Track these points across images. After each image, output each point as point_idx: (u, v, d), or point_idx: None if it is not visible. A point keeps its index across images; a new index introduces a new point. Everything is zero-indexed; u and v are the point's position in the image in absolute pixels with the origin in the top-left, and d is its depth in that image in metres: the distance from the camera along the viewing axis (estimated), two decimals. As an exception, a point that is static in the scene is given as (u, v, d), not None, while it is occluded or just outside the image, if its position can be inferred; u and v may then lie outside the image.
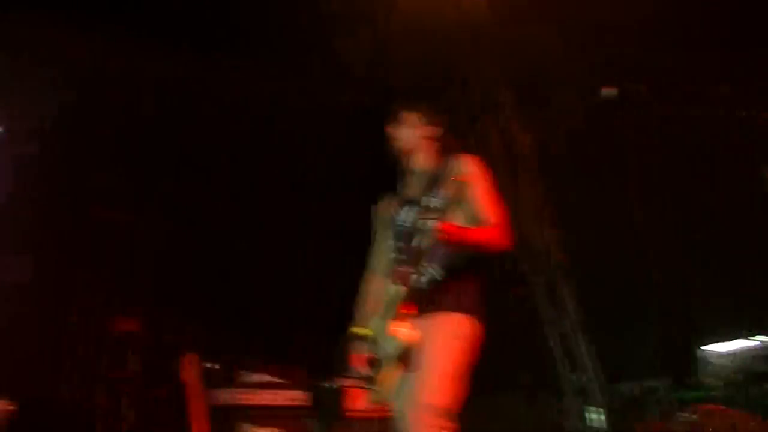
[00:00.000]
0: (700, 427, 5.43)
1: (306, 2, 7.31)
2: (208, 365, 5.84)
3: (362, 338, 3.25)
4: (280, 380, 5.99)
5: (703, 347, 7.17)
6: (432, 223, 3.03)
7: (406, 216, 3.30)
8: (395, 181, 3.48)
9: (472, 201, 3.19)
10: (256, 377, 5.95)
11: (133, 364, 7.63)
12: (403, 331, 3.07)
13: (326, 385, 6.11)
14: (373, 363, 3.17)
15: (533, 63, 7.62)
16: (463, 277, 3.18)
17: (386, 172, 3.52)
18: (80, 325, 7.55)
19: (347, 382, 5.88)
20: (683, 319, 7.30)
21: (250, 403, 5.87)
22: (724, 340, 7.10)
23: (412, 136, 3.43)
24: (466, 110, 8.38)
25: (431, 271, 3.12)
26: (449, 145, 3.45)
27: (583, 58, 7.08)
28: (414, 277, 3.10)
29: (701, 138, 6.28)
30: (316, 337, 7.05)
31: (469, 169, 3.23)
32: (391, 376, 3.09)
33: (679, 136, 6.47)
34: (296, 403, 5.96)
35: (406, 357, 3.06)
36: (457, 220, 3.15)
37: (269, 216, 7.97)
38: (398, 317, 3.09)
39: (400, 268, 3.18)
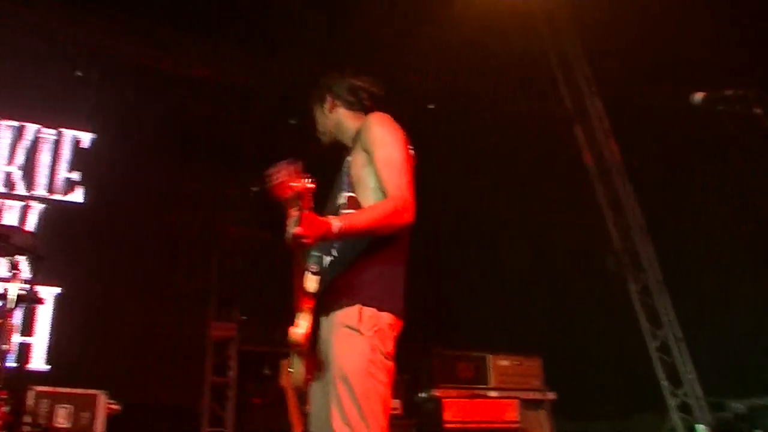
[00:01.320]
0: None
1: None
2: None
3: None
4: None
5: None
6: (336, 223, 2.66)
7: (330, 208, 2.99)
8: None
9: (376, 172, 2.82)
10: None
11: (233, 370, 7.82)
12: (293, 330, 2.73)
13: (423, 395, 6.11)
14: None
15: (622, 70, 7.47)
16: (364, 264, 2.82)
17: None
18: (183, 331, 7.75)
19: (444, 393, 5.86)
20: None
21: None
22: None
23: (328, 122, 3.15)
24: (559, 120, 8.29)
25: (324, 259, 2.88)
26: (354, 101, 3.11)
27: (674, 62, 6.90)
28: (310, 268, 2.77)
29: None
30: (410, 346, 7.00)
31: (371, 135, 2.88)
32: (298, 370, 2.80)
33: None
34: (393, 411, 5.94)
35: (301, 355, 2.77)
36: (367, 194, 2.83)
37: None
38: (299, 311, 2.76)
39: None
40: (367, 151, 2.86)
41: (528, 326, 7.18)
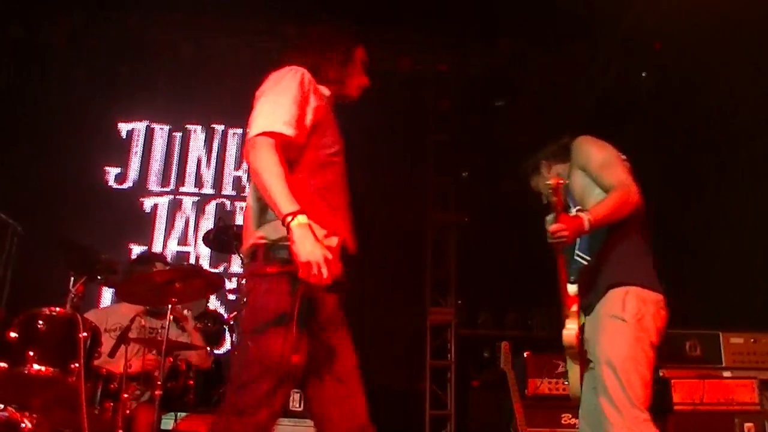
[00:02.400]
0: None
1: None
2: (525, 354, 5.87)
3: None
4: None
5: None
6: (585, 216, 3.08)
7: None
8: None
9: (596, 178, 3.25)
10: (575, 366, 5.85)
11: (452, 353, 7.96)
12: (565, 331, 3.16)
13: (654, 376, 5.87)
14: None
15: None
16: (611, 249, 3.18)
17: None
18: (402, 319, 8.00)
19: (673, 373, 5.59)
20: None
21: (568, 392, 5.78)
22: None
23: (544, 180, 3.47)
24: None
25: (577, 258, 3.25)
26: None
27: None
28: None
29: None
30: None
31: (584, 153, 3.34)
32: (573, 372, 3.23)
33: None
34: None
35: (572, 355, 3.16)
36: (595, 200, 3.20)
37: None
38: (566, 315, 3.19)
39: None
40: (584, 167, 3.29)
41: (764, 300, 6.64)
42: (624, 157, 3.33)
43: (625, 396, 2.93)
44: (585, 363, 3.20)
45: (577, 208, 3.30)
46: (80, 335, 4.01)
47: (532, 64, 8.36)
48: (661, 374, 5.69)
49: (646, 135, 7.77)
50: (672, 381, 5.64)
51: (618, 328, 3.00)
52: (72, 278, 4.53)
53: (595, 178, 3.23)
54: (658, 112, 7.89)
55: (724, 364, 5.83)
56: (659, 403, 5.67)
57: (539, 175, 3.64)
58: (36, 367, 3.88)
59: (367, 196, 8.13)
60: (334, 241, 2.45)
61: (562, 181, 3.11)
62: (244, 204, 8.27)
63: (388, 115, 8.20)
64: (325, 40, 2.91)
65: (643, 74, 8.16)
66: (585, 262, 3.24)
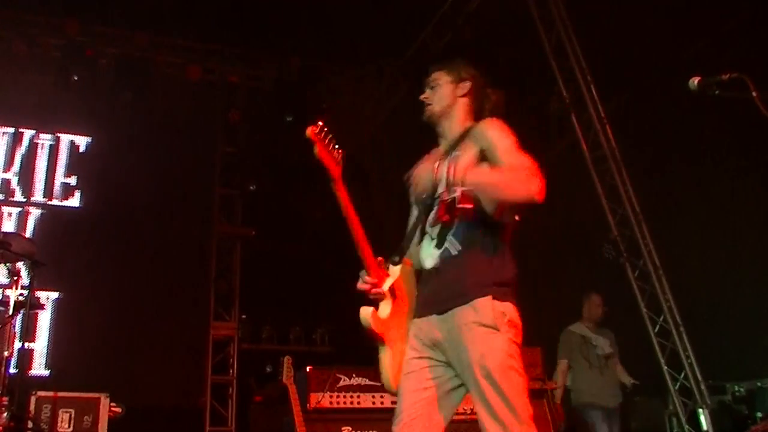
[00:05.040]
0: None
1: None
2: (307, 368, 5.91)
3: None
4: (377, 382, 6.01)
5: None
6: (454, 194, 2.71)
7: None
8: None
9: (498, 159, 2.73)
10: (355, 380, 5.98)
11: (234, 369, 7.86)
12: (363, 309, 2.70)
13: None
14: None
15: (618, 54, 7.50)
16: (482, 254, 2.73)
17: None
18: (183, 332, 7.78)
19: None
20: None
21: (349, 406, 5.90)
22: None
23: (442, 97, 2.99)
24: (556, 109, 8.30)
25: (447, 246, 2.76)
26: (480, 106, 3.03)
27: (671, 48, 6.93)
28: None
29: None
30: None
31: (495, 140, 2.78)
32: (385, 359, 2.76)
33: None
34: (395, 405, 5.96)
35: (377, 342, 2.72)
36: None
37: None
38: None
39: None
40: (487, 151, 2.77)
41: (528, 316, 7.18)
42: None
43: (511, 412, 2.59)
44: (398, 348, 2.76)
45: (463, 189, 2.76)
46: None
47: (322, 83, 8.49)
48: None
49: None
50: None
51: (493, 337, 2.62)
52: None
53: (500, 160, 2.72)
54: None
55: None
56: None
57: (452, 85, 3.03)
58: None
59: (152, 205, 7.91)
60: None
61: (319, 126, 2.60)
62: (12, 209, 7.69)
63: (177, 123, 7.99)
64: None
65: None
66: (455, 253, 2.76)
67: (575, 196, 7.93)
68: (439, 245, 2.80)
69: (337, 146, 2.69)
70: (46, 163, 7.99)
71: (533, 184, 2.59)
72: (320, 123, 2.64)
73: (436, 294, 2.76)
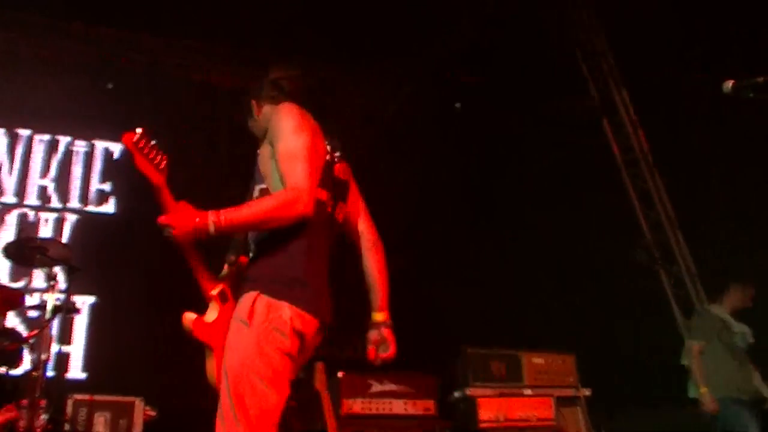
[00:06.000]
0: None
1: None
2: (339, 374, 5.93)
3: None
4: (409, 389, 6.00)
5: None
6: (211, 217, 2.59)
7: None
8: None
9: (277, 165, 2.64)
10: (387, 386, 5.99)
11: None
12: (188, 315, 2.69)
13: (457, 395, 6.10)
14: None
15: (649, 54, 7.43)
16: (267, 252, 2.63)
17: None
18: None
19: (479, 392, 5.84)
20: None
21: (381, 412, 5.90)
22: None
23: (259, 126, 2.93)
24: (586, 114, 8.23)
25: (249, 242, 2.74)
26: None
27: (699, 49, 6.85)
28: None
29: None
30: (444, 345, 7.03)
31: (274, 127, 2.70)
32: (210, 366, 2.70)
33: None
34: (427, 412, 5.96)
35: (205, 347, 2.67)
36: (275, 187, 2.64)
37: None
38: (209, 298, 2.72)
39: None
40: (272, 144, 2.70)
41: (561, 323, 7.13)
42: (325, 143, 2.80)
43: (234, 418, 2.43)
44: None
45: (261, 187, 2.73)
46: None
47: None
48: (468, 393, 5.95)
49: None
50: (478, 399, 5.90)
51: (240, 332, 2.51)
52: None
53: (278, 166, 2.63)
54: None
55: (525, 383, 6.18)
56: (465, 422, 5.94)
57: (252, 118, 2.99)
58: None
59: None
60: None
61: (136, 135, 2.52)
62: (49, 215, 7.81)
63: (208, 129, 8.09)
64: None
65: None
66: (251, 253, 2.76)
67: (605, 200, 7.87)
68: None
69: (160, 151, 2.62)
70: (81, 170, 8.10)
71: (289, 210, 2.52)
72: (139, 130, 2.56)
73: None
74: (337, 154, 2.88)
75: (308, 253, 2.65)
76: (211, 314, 2.71)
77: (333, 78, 8.27)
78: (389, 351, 2.95)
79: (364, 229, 3.06)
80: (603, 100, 8.13)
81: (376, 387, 5.91)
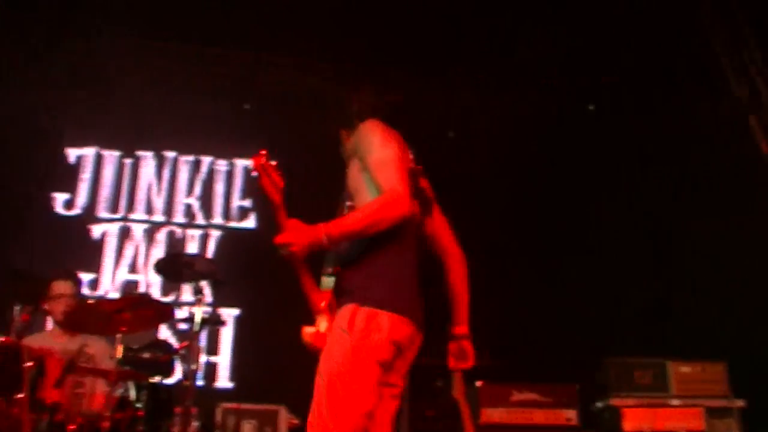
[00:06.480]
0: None
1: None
2: (478, 383, 5.89)
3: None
4: (550, 399, 5.89)
5: None
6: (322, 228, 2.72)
7: None
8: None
9: (371, 176, 2.74)
10: (527, 395, 5.90)
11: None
12: (306, 329, 2.82)
13: (600, 404, 5.93)
14: None
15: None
16: (361, 261, 2.73)
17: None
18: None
19: (623, 402, 5.66)
20: None
21: (521, 422, 5.82)
22: None
23: (346, 149, 3.05)
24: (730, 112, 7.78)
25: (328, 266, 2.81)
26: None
27: None
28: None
29: None
30: (584, 353, 6.84)
31: (363, 142, 2.82)
32: None
33: None
34: (568, 422, 5.83)
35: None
36: (367, 199, 2.74)
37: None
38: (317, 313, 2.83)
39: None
40: (362, 159, 2.81)
41: (708, 330, 6.78)
42: (410, 154, 2.91)
43: (326, 423, 2.57)
44: None
45: (349, 204, 2.86)
46: (25, 365, 3.90)
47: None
48: (611, 403, 5.77)
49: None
50: (622, 409, 5.71)
51: (339, 339, 2.63)
52: (17, 307, 4.43)
53: (371, 176, 2.74)
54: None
55: (672, 392, 5.92)
56: (610, 432, 5.76)
57: (342, 146, 3.14)
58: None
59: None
60: None
61: (263, 157, 2.76)
62: (195, 232, 8.20)
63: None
64: None
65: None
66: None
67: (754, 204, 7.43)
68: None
69: (279, 172, 2.86)
70: (223, 188, 8.47)
71: (391, 210, 2.62)
72: (263, 152, 2.79)
73: None
74: (420, 167, 2.97)
75: (400, 263, 2.77)
76: (323, 326, 2.80)
77: (462, 83, 8.27)
78: (468, 362, 3.23)
79: (448, 244, 3.17)
80: (751, 96, 7.68)
81: (516, 396, 5.83)
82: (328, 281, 2.83)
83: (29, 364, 3.93)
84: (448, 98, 8.35)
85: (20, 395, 3.86)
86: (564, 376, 6.19)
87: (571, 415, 5.83)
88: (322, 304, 2.81)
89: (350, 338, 2.60)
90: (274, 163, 2.81)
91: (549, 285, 7.66)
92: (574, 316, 7.44)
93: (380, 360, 2.61)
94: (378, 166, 2.72)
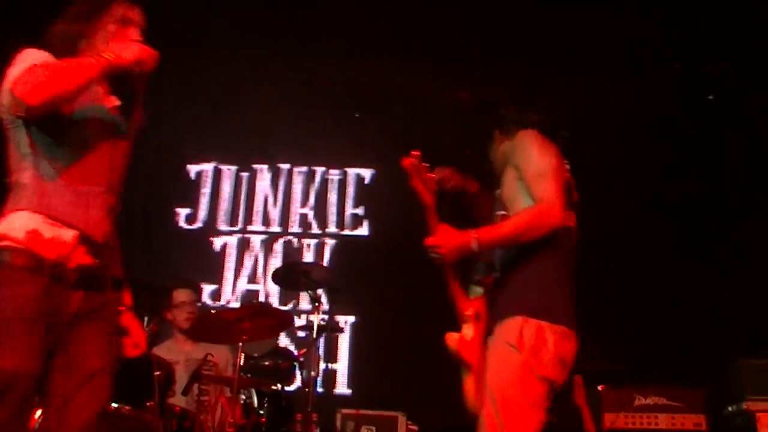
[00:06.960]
0: None
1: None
2: (599, 387, 5.74)
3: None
4: (677, 403, 5.66)
5: None
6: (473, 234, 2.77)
7: None
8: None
9: (527, 186, 2.76)
10: (652, 399, 5.69)
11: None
12: (451, 335, 2.85)
13: (732, 409, 5.65)
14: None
15: None
16: (520, 272, 2.74)
17: None
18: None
19: (759, 406, 5.37)
20: None
21: (647, 427, 5.62)
22: None
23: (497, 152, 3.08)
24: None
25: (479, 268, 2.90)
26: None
27: None
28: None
29: None
30: (709, 356, 6.56)
31: (520, 151, 2.84)
32: (467, 383, 2.86)
33: None
34: (697, 428, 5.58)
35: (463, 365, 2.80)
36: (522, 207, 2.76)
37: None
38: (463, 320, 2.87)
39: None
40: (518, 167, 2.83)
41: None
42: (567, 165, 2.92)
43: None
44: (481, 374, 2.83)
45: (501, 213, 2.91)
46: (155, 374, 4.08)
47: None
48: (745, 407, 5.49)
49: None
50: (757, 414, 5.44)
51: (508, 356, 2.63)
52: (146, 317, 4.63)
53: (527, 186, 2.77)
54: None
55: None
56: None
57: (493, 146, 3.15)
58: (113, 405, 3.95)
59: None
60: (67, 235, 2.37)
61: (415, 158, 2.88)
62: (310, 241, 8.36)
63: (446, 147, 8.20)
64: None
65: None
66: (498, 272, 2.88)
67: None
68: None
69: (431, 174, 2.96)
70: (336, 197, 8.61)
71: (542, 220, 2.65)
72: (415, 153, 2.89)
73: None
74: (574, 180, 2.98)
75: (559, 274, 2.77)
76: (469, 333, 2.85)
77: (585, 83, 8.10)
78: None
79: None
80: None
81: (640, 400, 5.64)
82: (477, 290, 2.90)
83: (158, 372, 4.10)
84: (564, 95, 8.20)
85: (151, 402, 4.02)
86: (689, 379, 5.95)
87: (700, 420, 5.58)
88: (469, 312, 2.86)
89: (520, 355, 2.61)
90: (426, 164, 2.90)
91: (673, 284, 7.38)
92: (699, 316, 7.14)
93: (549, 377, 2.64)
94: (535, 176, 2.76)
